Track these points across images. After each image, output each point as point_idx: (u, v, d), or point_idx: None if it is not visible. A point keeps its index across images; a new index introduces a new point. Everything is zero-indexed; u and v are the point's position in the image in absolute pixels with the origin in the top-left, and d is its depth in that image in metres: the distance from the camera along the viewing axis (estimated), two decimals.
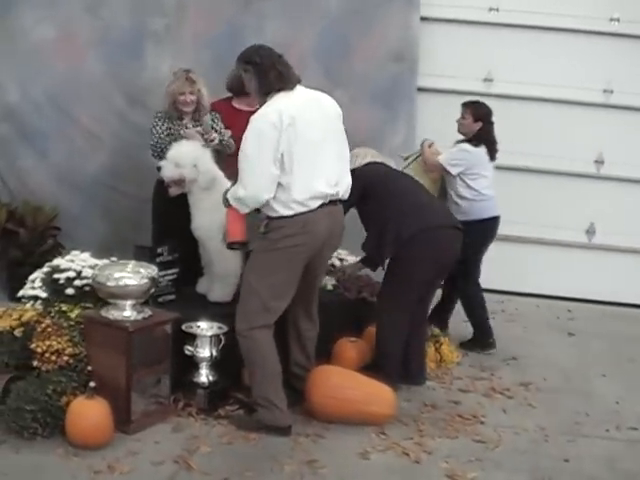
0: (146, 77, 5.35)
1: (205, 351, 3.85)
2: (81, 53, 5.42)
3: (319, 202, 3.52)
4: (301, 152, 3.45)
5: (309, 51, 5.88)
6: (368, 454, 3.51)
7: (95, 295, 3.82)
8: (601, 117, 6.42)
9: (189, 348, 3.83)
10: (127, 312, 3.56)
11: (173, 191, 4.19)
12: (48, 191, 5.45)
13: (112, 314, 3.55)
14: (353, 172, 3.85)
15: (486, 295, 5.17)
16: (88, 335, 3.59)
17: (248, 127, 3.50)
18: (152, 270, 3.62)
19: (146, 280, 3.56)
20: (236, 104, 4.93)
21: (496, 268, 5.58)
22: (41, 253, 4.98)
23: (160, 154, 4.43)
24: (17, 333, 3.61)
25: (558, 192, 6.50)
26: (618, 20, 6.26)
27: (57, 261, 3.96)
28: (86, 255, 4.02)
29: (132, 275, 3.55)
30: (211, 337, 3.85)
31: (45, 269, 3.93)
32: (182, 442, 3.49)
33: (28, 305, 3.82)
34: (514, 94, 6.44)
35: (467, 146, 5.01)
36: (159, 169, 4.10)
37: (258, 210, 3.63)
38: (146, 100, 5.32)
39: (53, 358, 3.51)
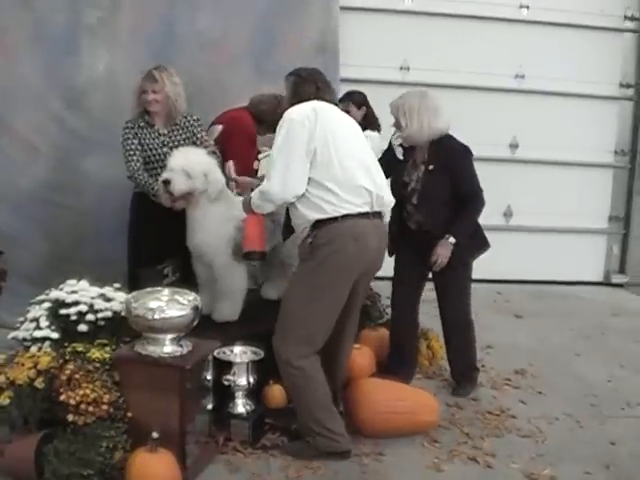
0: (82, 77, 4.78)
1: (242, 379, 3.53)
2: (14, 51, 4.71)
3: (366, 206, 3.30)
4: (338, 147, 3.25)
5: (241, 46, 5.59)
6: (438, 466, 3.39)
7: (110, 330, 3.38)
8: (514, 102, 6.68)
9: (228, 378, 3.48)
10: (168, 347, 3.14)
11: (180, 205, 3.76)
12: None
13: (154, 351, 3.12)
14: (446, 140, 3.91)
15: None
16: (126, 377, 3.13)
17: (281, 122, 3.29)
18: (194, 298, 3.21)
19: (190, 310, 3.15)
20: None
21: None
22: None
23: (138, 171, 4.03)
24: (38, 384, 3.06)
25: None
26: (528, 7, 6.54)
27: (55, 294, 3.44)
28: (85, 284, 3.53)
29: (174, 305, 3.13)
30: (247, 364, 3.52)
31: (45, 305, 3.38)
32: None
33: (34, 349, 3.27)
34: (429, 82, 6.39)
35: (372, 133, 5.05)
36: (167, 182, 3.64)
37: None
38: (83, 103, 4.76)
39: (91, 409, 3.02)
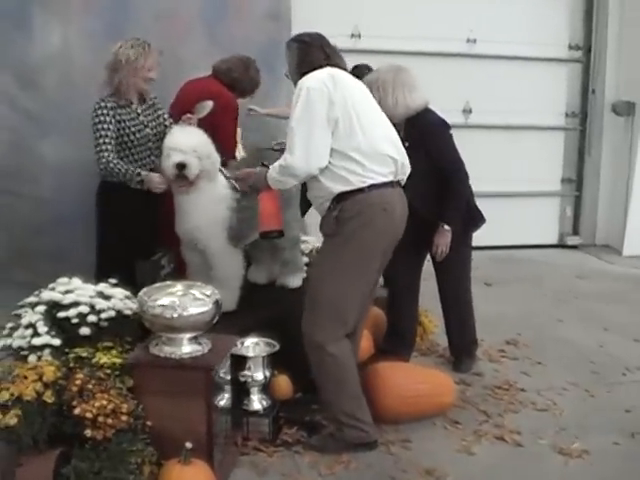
0: (36, 53, 4.34)
1: (259, 374, 3.30)
2: None
3: (391, 175, 3.13)
4: (359, 115, 3.05)
5: (194, 15, 5.26)
6: (468, 448, 3.29)
7: (112, 331, 3.07)
8: (466, 67, 6.60)
9: (245, 373, 3.25)
10: (187, 347, 2.87)
11: (184, 190, 3.43)
12: None
13: (174, 352, 2.85)
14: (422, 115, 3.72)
15: None
16: (143, 383, 2.85)
17: (297, 91, 3.05)
18: (212, 292, 2.94)
19: (211, 306, 2.88)
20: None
21: None
22: None
23: (113, 160, 3.61)
24: (47, 399, 2.73)
25: None
26: None
27: (48, 295, 3.09)
28: (77, 281, 3.20)
29: (194, 301, 2.85)
30: (263, 357, 3.29)
31: (40, 308, 3.04)
32: None
33: (32, 358, 2.92)
34: (380, 49, 6.31)
35: None
36: (182, 166, 3.31)
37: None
38: (37, 80, 4.35)
39: (110, 421, 2.72)
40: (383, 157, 3.09)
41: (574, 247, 7.03)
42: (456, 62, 6.58)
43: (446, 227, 3.81)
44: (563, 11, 6.77)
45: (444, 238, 3.83)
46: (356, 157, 3.02)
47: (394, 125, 3.78)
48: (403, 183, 3.28)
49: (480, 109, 6.69)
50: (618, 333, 4.75)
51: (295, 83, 3.17)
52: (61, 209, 4.50)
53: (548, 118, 6.87)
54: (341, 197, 3.04)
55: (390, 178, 3.12)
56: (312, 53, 3.13)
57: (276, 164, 3.07)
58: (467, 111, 6.70)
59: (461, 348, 4.16)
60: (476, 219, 4.04)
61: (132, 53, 3.63)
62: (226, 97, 4.14)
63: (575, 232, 7.13)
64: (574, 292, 5.63)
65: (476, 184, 6.54)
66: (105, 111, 3.64)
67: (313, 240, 4.49)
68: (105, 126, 3.61)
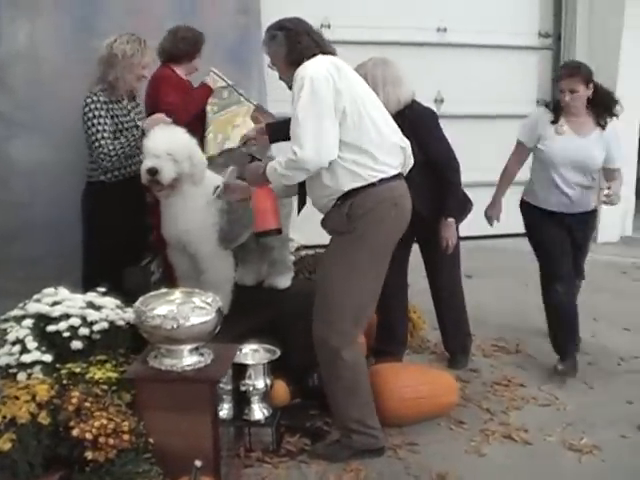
0: (2, 50, 4.11)
1: (259, 382, 3.15)
2: None
3: (400, 166, 3.01)
4: (365, 104, 2.89)
5: (165, 12, 5.05)
6: (477, 449, 3.21)
7: (106, 344, 2.91)
8: (437, 56, 6.52)
9: (246, 382, 3.10)
10: (188, 359, 2.72)
11: (165, 195, 3.27)
12: None
13: (175, 365, 2.70)
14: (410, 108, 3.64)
15: None
16: (144, 398, 2.69)
17: (299, 81, 2.83)
18: (213, 299, 2.78)
19: (214, 315, 2.73)
20: (178, 71, 4.06)
21: None
22: None
23: (111, 155, 3.47)
24: (42, 420, 2.55)
25: None
26: None
27: (35, 307, 2.90)
28: (65, 292, 3.01)
29: (196, 311, 2.70)
30: (264, 365, 3.15)
31: (27, 322, 2.84)
32: None
33: (22, 376, 2.73)
34: (352, 39, 6.16)
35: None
36: (154, 172, 3.13)
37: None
38: (4, 78, 4.12)
39: (111, 442, 2.55)
40: (394, 147, 2.96)
41: None
42: (427, 51, 6.50)
43: (450, 219, 3.72)
44: None
45: (450, 231, 3.77)
46: (368, 149, 2.87)
47: None
48: (405, 175, 3.16)
49: (451, 98, 6.61)
50: (607, 322, 4.73)
51: (283, 74, 3.00)
52: (34, 213, 4.30)
53: (520, 106, 6.75)
54: (351, 193, 2.89)
55: (399, 170, 3.01)
56: (301, 40, 2.92)
57: (281, 159, 2.89)
58: (439, 101, 6.61)
59: (456, 343, 4.08)
60: (466, 205, 3.99)
61: (128, 49, 3.48)
62: (159, 75, 4.03)
63: None
64: None
65: None
66: (99, 105, 3.49)
67: (298, 238, 4.37)
68: (101, 120, 3.47)
